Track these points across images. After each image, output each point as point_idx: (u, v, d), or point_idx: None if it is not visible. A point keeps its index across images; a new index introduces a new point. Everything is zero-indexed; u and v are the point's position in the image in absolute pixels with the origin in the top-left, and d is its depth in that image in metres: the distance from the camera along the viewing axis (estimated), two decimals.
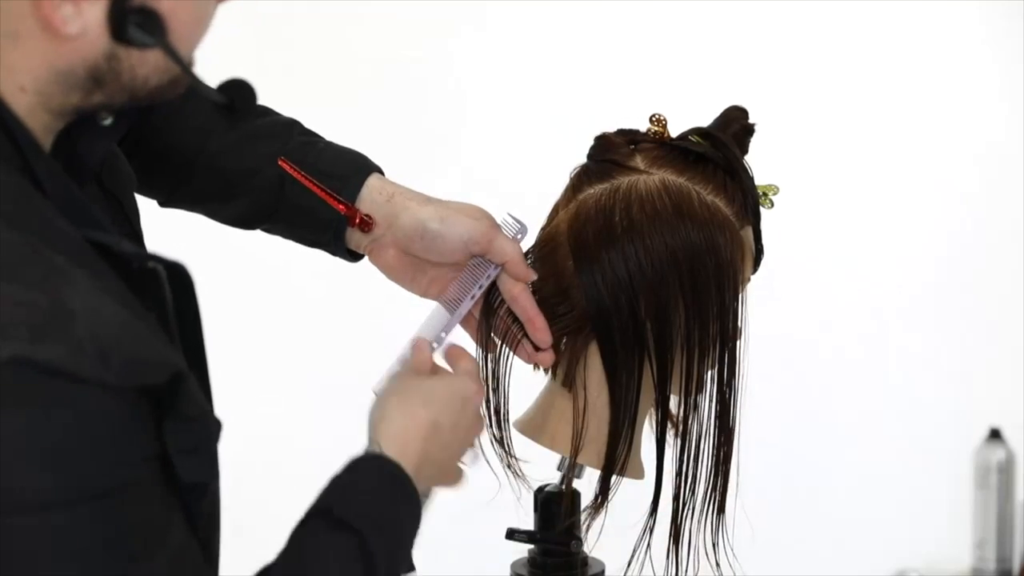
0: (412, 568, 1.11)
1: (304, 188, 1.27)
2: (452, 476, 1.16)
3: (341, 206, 1.28)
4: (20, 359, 0.83)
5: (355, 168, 1.31)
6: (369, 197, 1.29)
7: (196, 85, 0.99)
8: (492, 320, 1.30)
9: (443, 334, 1.29)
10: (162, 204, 1.35)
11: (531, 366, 1.32)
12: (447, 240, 1.27)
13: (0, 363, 0.83)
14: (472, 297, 1.29)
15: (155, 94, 0.98)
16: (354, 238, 1.31)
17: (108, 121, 1.02)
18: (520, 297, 1.28)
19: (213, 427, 0.96)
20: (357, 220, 1.29)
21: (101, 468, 0.87)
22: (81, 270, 0.89)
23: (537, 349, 1.28)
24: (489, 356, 1.31)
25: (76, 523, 0.86)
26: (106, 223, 0.98)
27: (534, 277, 1.28)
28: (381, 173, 1.32)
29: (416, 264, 1.30)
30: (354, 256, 1.33)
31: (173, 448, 0.92)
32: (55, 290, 0.86)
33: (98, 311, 0.87)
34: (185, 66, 0.97)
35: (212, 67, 1.13)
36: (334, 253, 1.33)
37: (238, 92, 1.02)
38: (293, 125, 1.33)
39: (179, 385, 0.91)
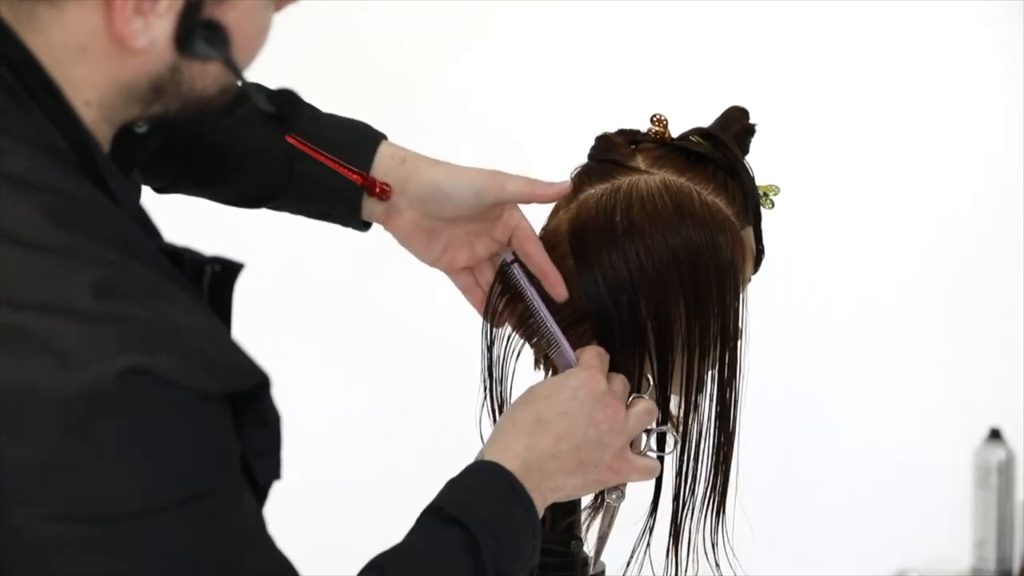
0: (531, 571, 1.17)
1: (315, 162, 1.27)
2: (595, 472, 1.19)
3: (357, 176, 1.28)
4: (139, 369, 0.84)
5: (365, 137, 1.31)
6: (382, 164, 1.29)
7: (250, 96, 1.00)
8: (497, 303, 1.30)
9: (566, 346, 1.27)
10: (160, 191, 1.34)
11: (532, 365, 1.32)
12: (458, 195, 1.27)
13: (122, 373, 0.84)
14: (533, 298, 1.28)
15: (209, 103, 0.99)
16: (368, 207, 1.31)
17: (143, 129, 1.02)
18: (534, 253, 1.27)
19: (282, 429, 0.98)
20: (377, 189, 1.28)
21: (204, 472, 0.88)
22: (168, 282, 0.91)
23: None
24: (494, 346, 1.31)
25: (181, 526, 0.87)
26: (158, 228, 1.00)
27: (543, 190, 1.27)
28: (387, 139, 1.32)
29: (431, 229, 1.30)
30: (365, 225, 1.33)
31: (250, 451, 0.93)
32: (157, 305, 0.88)
33: (196, 322, 0.89)
34: (244, 79, 0.98)
35: None
36: (346, 224, 1.33)
37: (286, 102, 1.03)
38: None
39: (263, 391, 0.93)
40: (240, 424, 0.92)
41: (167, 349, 0.86)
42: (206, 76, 0.96)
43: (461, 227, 1.30)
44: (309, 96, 1.36)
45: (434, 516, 1.12)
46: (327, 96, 1.35)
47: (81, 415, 0.84)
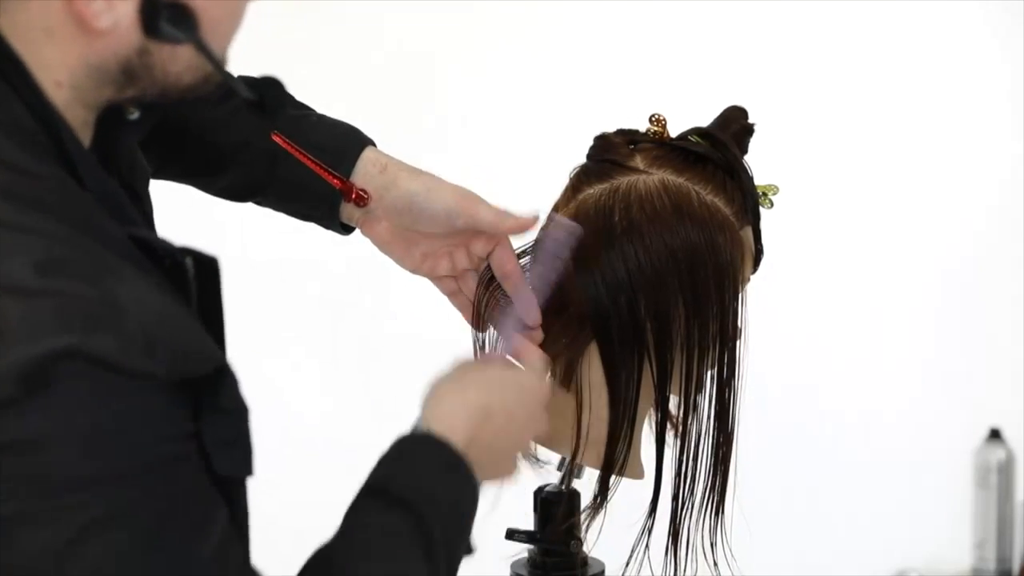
0: (471, 551, 1.11)
1: (298, 162, 1.27)
2: (504, 468, 1.17)
3: (336, 181, 1.28)
4: (73, 350, 0.85)
5: (350, 142, 1.31)
6: (364, 170, 1.29)
7: (228, 82, 0.99)
8: (485, 301, 1.30)
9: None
10: (151, 176, 1.35)
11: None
12: (431, 213, 1.27)
13: (55, 353, 0.84)
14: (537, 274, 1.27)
15: (187, 91, 0.99)
16: (347, 211, 1.31)
17: (135, 115, 1.02)
18: (512, 274, 1.28)
19: (249, 420, 0.97)
20: (353, 195, 1.28)
21: (143, 449, 0.89)
22: (126, 264, 0.91)
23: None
24: (485, 338, 1.32)
25: (121, 501, 0.88)
26: (138, 217, 1.00)
27: (511, 222, 1.26)
28: (374, 146, 1.32)
29: (408, 237, 1.30)
30: (346, 229, 1.34)
31: (210, 440, 0.93)
32: (106, 284, 0.88)
33: (146, 305, 0.89)
34: (217, 62, 0.97)
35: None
36: (327, 227, 1.34)
37: (268, 90, 1.02)
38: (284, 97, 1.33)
39: (221, 378, 0.93)
40: (198, 411, 0.92)
41: (107, 329, 0.86)
42: (177, 60, 0.96)
43: (440, 239, 1.30)
44: (306, 97, 1.37)
45: (377, 498, 1.04)
46: (325, 97, 1.35)
47: (13, 393, 0.84)
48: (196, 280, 0.97)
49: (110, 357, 0.86)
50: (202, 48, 0.96)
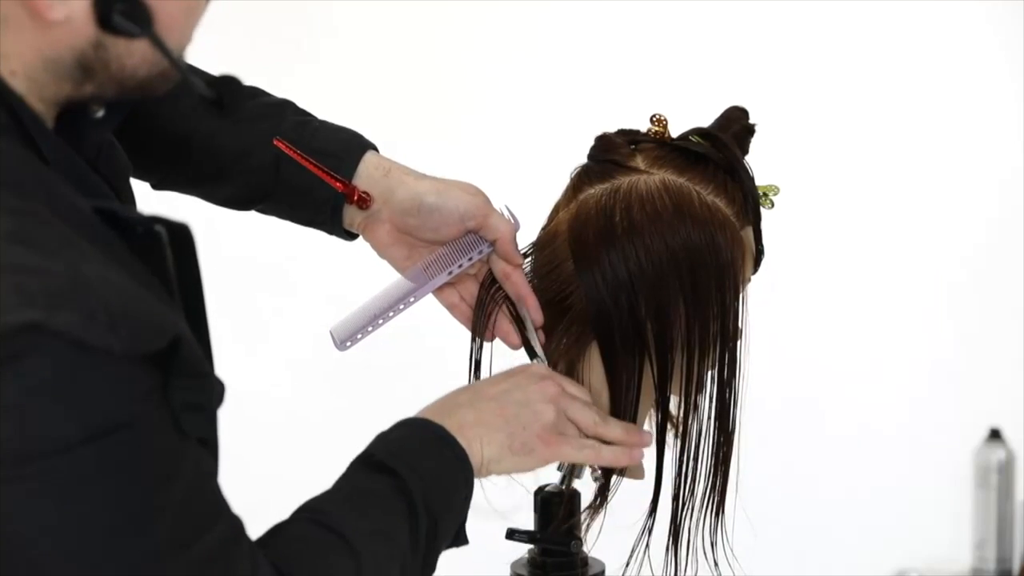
0: (465, 540, 1.17)
1: (300, 167, 1.28)
2: (535, 437, 1.20)
3: (338, 184, 1.29)
4: (35, 324, 0.85)
5: (351, 145, 1.31)
6: (366, 173, 1.30)
7: (184, 78, 0.99)
8: (488, 308, 1.31)
9: (412, 299, 1.29)
10: (155, 187, 1.36)
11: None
12: (443, 213, 1.29)
13: (17, 326, 0.85)
14: (456, 268, 1.29)
15: (144, 87, 0.99)
16: (349, 215, 1.31)
17: (100, 114, 1.03)
18: (512, 275, 1.29)
19: (216, 387, 0.98)
20: (355, 197, 1.29)
21: (104, 419, 0.89)
22: (89, 240, 0.91)
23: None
24: (485, 346, 1.32)
25: (86, 462, 0.88)
26: (106, 191, 1.01)
27: (521, 262, 1.30)
28: (376, 150, 1.32)
29: (409, 242, 1.31)
30: (351, 235, 1.34)
31: (178, 404, 0.94)
32: (71, 259, 0.88)
33: (109, 281, 0.89)
34: (172, 58, 0.98)
35: (215, 55, 1.13)
36: (330, 232, 1.34)
37: (226, 87, 1.02)
38: (286, 105, 1.34)
39: (178, 347, 0.93)
40: (166, 377, 0.92)
41: (70, 306, 0.86)
42: (133, 55, 0.96)
43: (440, 241, 1.31)
44: (304, 97, 1.37)
45: (364, 464, 1.13)
46: (323, 97, 1.35)
47: None
48: (173, 248, 0.97)
49: (73, 333, 0.86)
50: (157, 42, 0.96)
